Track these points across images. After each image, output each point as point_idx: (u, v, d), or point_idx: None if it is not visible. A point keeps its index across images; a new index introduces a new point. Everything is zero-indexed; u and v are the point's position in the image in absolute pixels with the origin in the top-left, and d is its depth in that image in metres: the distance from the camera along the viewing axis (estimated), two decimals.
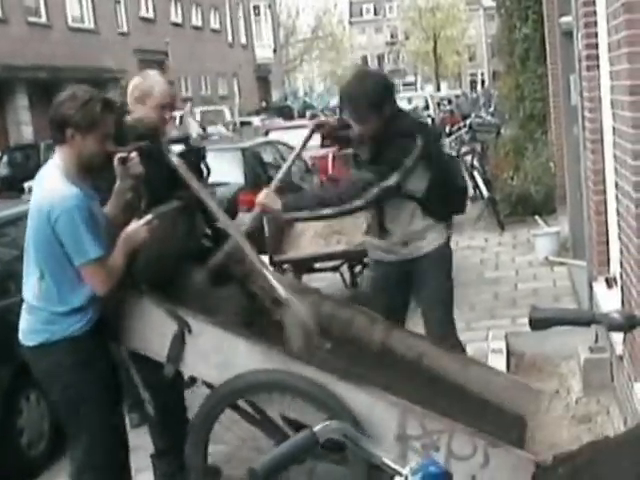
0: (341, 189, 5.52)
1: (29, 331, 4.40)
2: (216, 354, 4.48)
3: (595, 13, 6.32)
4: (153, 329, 4.54)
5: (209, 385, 4.77)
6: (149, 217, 4.42)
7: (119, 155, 4.44)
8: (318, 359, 4.60)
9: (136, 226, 4.39)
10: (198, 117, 35.61)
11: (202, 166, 5.54)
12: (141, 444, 5.44)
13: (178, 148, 5.37)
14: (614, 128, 5.22)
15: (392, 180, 5.23)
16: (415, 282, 5.59)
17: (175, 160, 4.93)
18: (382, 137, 5.33)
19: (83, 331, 4.33)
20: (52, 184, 4.25)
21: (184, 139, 5.60)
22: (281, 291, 4.75)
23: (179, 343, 4.46)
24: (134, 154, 4.50)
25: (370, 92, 5.28)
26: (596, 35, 6.37)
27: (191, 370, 4.69)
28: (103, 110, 4.28)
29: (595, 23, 6.34)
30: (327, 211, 5.33)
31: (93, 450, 4.44)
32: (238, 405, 4.88)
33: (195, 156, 5.52)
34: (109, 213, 4.53)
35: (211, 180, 9.96)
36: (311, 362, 4.43)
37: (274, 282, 4.78)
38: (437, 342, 5.39)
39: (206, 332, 4.50)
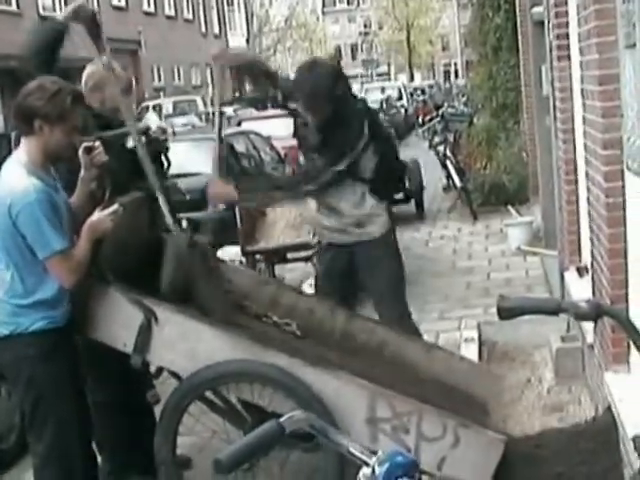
0: (295, 175, 5.62)
1: None
2: (183, 343, 4.45)
3: (566, 3, 6.33)
4: (119, 319, 4.50)
5: (176, 375, 4.76)
6: (115, 207, 4.40)
7: (84, 145, 4.41)
8: (286, 346, 4.61)
9: (101, 215, 4.35)
10: (170, 107, 35.45)
11: (163, 158, 5.52)
12: None
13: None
14: (584, 118, 5.23)
15: (342, 165, 5.35)
16: (363, 268, 5.64)
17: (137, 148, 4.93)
18: (330, 121, 5.39)
19: (49, 324, 4.29)
20: (12, 178, 4.21)
21: (144, 131, 5.55)
22: (169, 220, 4.87)
23: (145, 332, 4.43)
24: (98, 143, 4.48)
25: (323, 85, 5.34)
26: (567, 25, 6.39)
27: (158, 360, 4.66)
28: (73, 102, 4.24)
29: (566, 13, 6.36)
30: (279, 194, 5.61)
31: (56, 444, 4.40)
32: (205, 396, 4.87)
33: (155, 148, 5.49)
34: (74, 203, 4.50)
35: (183, 170, 9.96)
36: (280, 349, 4.43)
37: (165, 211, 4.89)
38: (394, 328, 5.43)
39: (172, 321, 4.47)
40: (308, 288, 7.52)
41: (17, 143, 4.42)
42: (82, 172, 4.50)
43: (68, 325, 4.41)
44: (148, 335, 4.44)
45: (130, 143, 5.19)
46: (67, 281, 4.29)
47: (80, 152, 4.42)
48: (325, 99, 5.34)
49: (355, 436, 4.02)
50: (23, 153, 4.28)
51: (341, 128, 5.37)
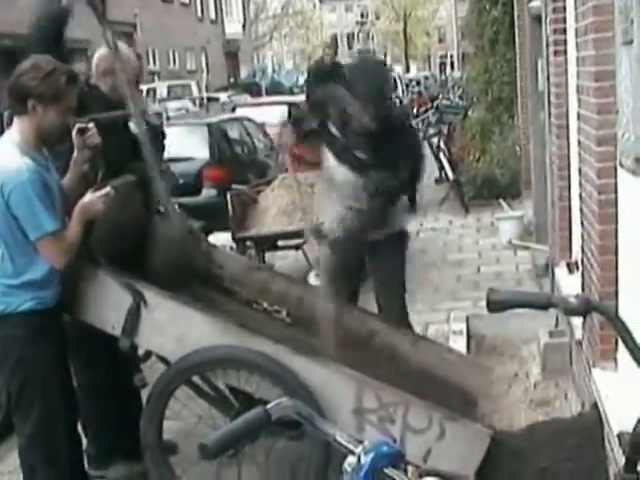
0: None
1: None
2: (172, 328, 4.45)
3: None
4: (108, 301, 4.50)
5: (164, 360, 4.75)
6: (107, 189, 4.38)
7: (78, 126, 4.39)
8: (274, 333, 4.61)
9: (93, 197, 4.34)
10: (165, 91, 35.37)
11: (159, 143, 5.51)
12: None
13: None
14: (579, 114, 5.22)
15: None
16: (375, 262, 5.60)
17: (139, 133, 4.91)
18: (386, 126, 5.18)
19: (38, 305, 4.28)
20: (5, 157, 4.18)
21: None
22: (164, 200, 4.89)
23: (134, 316, 4.42)
24: (92, 125, 4.46)
25: (388, 84, 5.22)
26: (564, 20, 6.38)
27: (146, 343, 4.66)
28: (67, 82, 4.22)
29: (564, 8, 6.35)
30: None
31: (42, 425, 4.40)
32: (193, 381, 4.87)
33: (153, 133, 5.48)
34: (66, 184, 4.48)
35: (176, 155, 9.94)
36: (268, 336, 4.43)
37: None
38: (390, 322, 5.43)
39: (162, 305, 4.47)
40: (314, 280, 7.43)
41: (10, 122, 4.39)
42: (75, 153, 4.48)
43: (57, 307, 4.40)
44: (137, 318, 4.44)
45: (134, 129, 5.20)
46: (58, 262, 4.27)
47: (73, 133, 4.40)
48: (388, 98, 5.21)
49: (341, 426, 4.01)
50: (16, 133, 4.25)
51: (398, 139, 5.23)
